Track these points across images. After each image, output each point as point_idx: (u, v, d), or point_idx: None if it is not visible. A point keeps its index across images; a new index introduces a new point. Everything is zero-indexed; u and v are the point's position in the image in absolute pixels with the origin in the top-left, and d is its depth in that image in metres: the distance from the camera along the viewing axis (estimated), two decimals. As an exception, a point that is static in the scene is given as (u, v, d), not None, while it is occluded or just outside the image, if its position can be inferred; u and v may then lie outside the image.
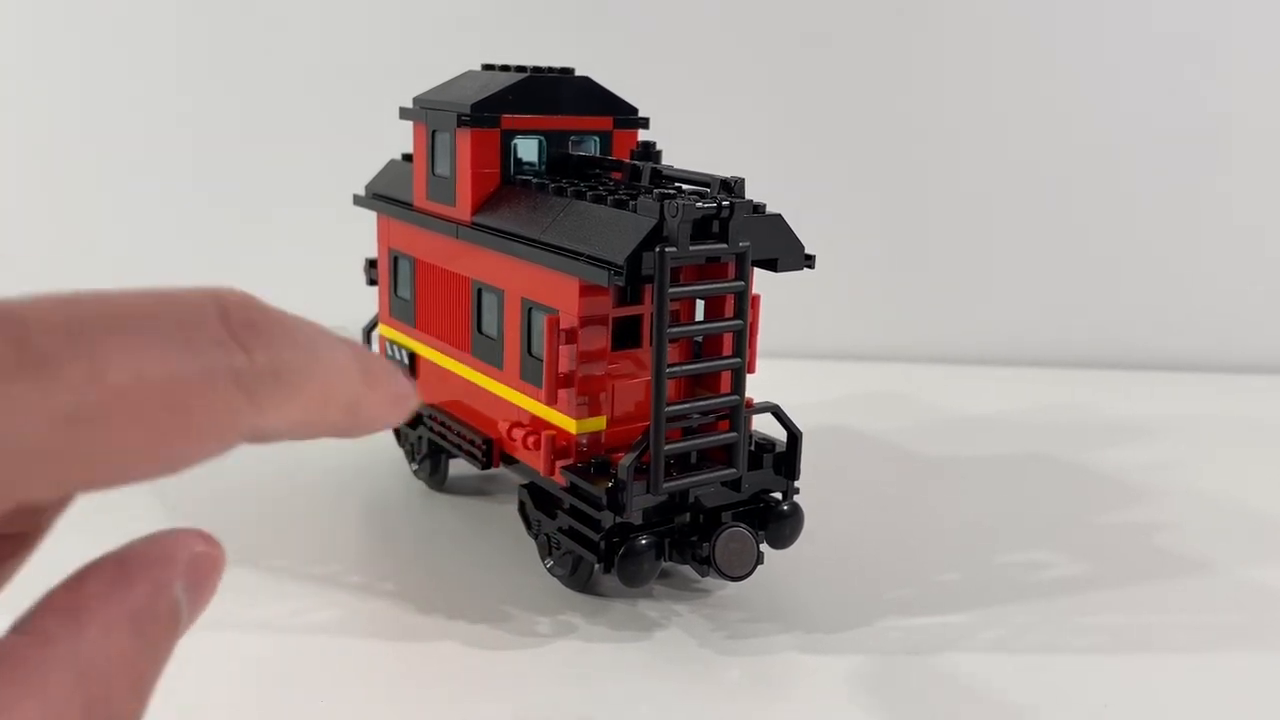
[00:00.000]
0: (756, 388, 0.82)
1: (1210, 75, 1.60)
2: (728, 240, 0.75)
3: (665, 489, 0.76)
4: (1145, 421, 1.39)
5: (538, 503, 0.86)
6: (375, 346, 1.09)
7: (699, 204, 0.73)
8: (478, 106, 0.87)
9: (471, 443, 0.91)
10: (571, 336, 0.79)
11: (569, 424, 0.81)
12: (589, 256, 0.76)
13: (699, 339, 0.84)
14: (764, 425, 0.87)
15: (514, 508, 0.99)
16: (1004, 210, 1.65)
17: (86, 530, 0.95)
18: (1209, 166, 1.63)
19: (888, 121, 1.61)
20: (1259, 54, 1.59)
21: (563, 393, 0.80)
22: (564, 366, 0.79)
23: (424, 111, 0.93)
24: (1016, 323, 1.68)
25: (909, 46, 1.59)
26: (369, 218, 1.07)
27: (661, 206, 0.73)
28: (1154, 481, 1.16)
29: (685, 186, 0.83)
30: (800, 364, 1.54)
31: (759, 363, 0.87)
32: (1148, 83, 1.60)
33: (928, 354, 1.66)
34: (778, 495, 0.85)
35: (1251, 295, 1.67)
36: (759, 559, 0.80)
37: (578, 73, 0.94)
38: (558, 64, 0.97)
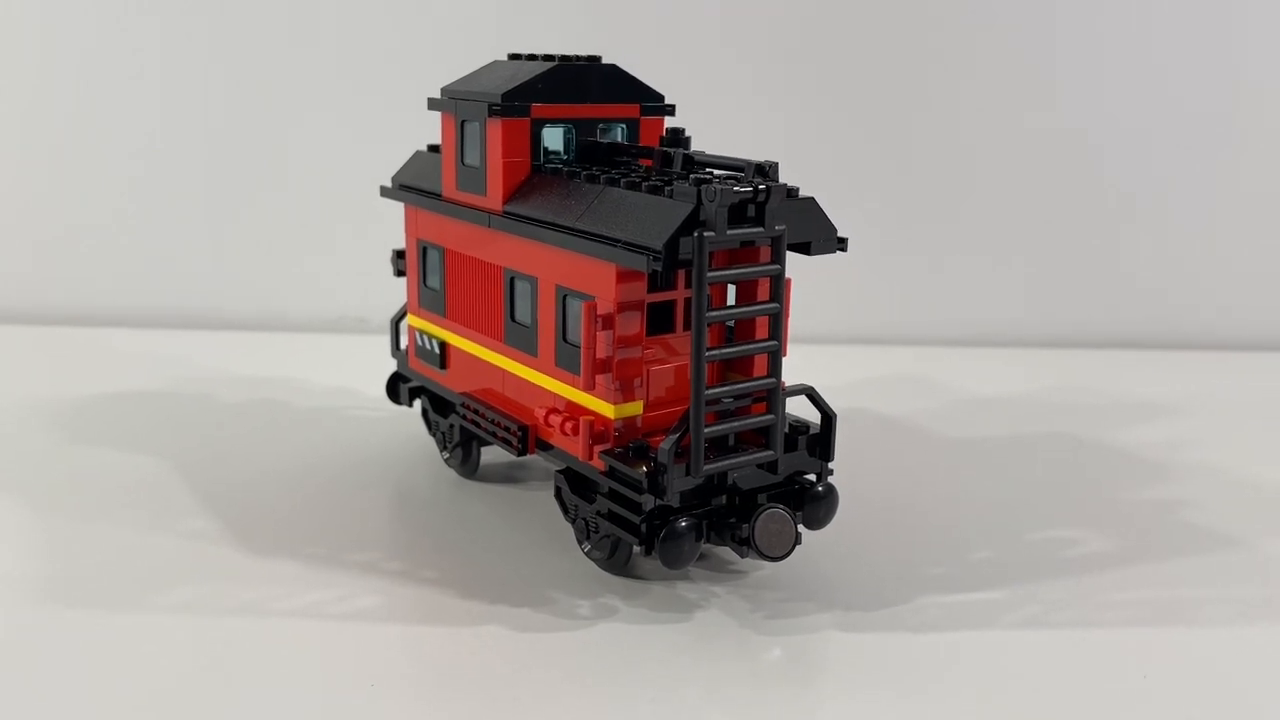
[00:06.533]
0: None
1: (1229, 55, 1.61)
2: (763, 224, 0.76)
3: (704, 471, 0.77)
4: (1162, 400, 1.40)
5: (574, 487, 0.87)
6: (404, 337, 1.10)
7: (735, 189, 0.74)
8: (508, 96, 0.88)
9: (507, 429, 0.92)
10: (609, 322, 0.79)
11: (607, 409, 0.81)
12: (626, 242, 0.77)
13: (730, 323, 0.85)
14: (794, 407, 0.87)
15: (545, 494, 1.00)
16: (1017, 191, 1.65)
17: (122, 521, 0.97)
18: (1220, 145, 1.64)
19: (899, 105, 1.62)
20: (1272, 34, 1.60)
21: (600, 378, 0.81)
22: (601, 352, 0.80)
23: (453, 102, 0.93)
24: (1029, 304, 1.69)
25: (920, 35, 1.60)
26: (393, 209, 1.08)
27: (699, 191, 0.74)
28: (1174, 458, 1.18)
29: (718, 172, 0.84)
30: (813, 348, 1.55)
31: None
32: (1166, 63, 1.61)
33: (940, 337, 1.67)
34: (812, 476, 0.86)
35: (1268, 272, 1.68)
36: (797, 539, 0.81)
37: (596, 56, 0.95)
38: (571, 51, 0.97)
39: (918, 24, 1.59)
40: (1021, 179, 1.65)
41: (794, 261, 0.82)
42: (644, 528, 0.79)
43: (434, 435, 1.09)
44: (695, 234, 0.73)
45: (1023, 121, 1.62)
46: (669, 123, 0.96)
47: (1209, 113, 1.63)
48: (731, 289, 0.85)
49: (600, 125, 0.93)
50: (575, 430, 0.82)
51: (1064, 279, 1.68)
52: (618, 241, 0.78)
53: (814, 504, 0.85)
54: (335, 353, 1.53)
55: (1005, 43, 1.60)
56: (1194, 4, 1.59)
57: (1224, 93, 1.62)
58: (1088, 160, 1.64)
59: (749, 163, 0.79)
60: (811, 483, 0.85)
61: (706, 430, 0.76)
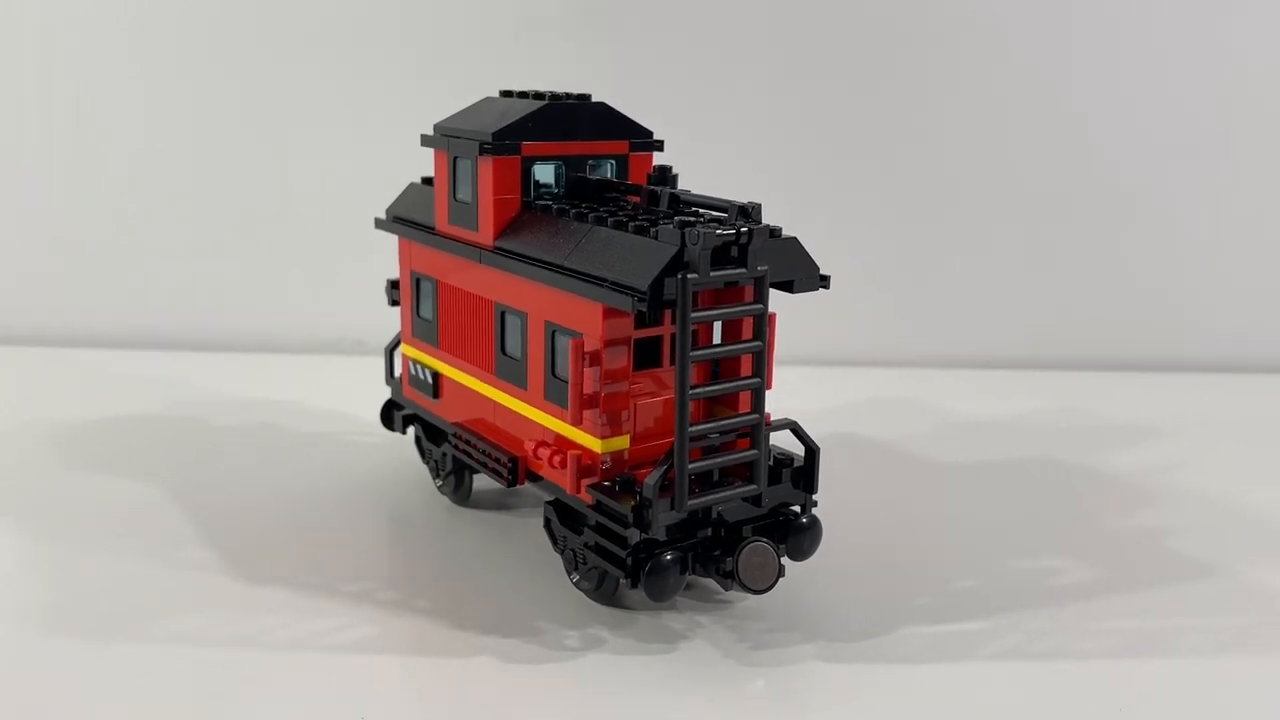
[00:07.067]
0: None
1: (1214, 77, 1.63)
2: (746, 265, 0.78)
3: (689, 506, 0.78)
4: (1151, 423, 1.41)
5: (563, 519, 0.88)
6: (399, 365, 1.12)
7: (718, 231, 0.75)
8: (499, 135, 0.90)
9: (497, 460, 0.93)
10: (595, 359, 0.81)
11: (594, 443, 0.83)
12: (613, 282, 0.78)
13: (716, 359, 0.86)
14: (779, 438, 0.89)
15: (536, 521, 1.02)
16: (1006, 215, 1.67)
17: (117, 550, 0.98)
18: (1205, 170, 1.65)
19: (890, 127, 1.64)
20: (1260, 55, 1.62)
21: (587, 413, 0.82)
22: (588, 388, 0.81)
23: (445, 139, 0.95)
24: (1018, 326, 1.70)
25: (913, 58, 1.61)
26: (388, 239, 1.09)
27: (683, 234, 0.76)
28: (1160, 484, 1.19)
29: (703, 212, 0.85)
30: (802, 370, 1.56)
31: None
32: (1155, 84, 1.63)
33: (929, 359, 1.69)
34: (796, 508, 0.88)
35: (1254, 295, 1.70)
36: (781, 572, 0.83)
37: (586, 95, 0.97)
38: (561, 87, 0.99)
39: (912, 50, 1.61)
40: (1012, 201, 1.66)
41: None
42: (630, 561, 0.80)
43: (427, 463, 1.10)
44: (679, 276, 0.74)
45: (1013, 146, 1.64)
46: (657, 158, 0.98)
47: (1204, 134, 1.64)
48: (717, 325, 0.87)
49: (590, 161, 0.95)
50: (563, 464, 0.84)
51: (1052, 300, 1.70)
52: (604, 281, 0.79)
53: (798, 535, 0.86)
54: (332, 375, 1.54)
55: (1006, 68, 1.62)
56: (1194, 19, 1.60)
57: (1221, 119, 1.64)
58: (1079, 183, 1.66)
59: (733, 204, 0.81)
60: (796, 514, 0.87)
61: (691, 466, 0.78)
